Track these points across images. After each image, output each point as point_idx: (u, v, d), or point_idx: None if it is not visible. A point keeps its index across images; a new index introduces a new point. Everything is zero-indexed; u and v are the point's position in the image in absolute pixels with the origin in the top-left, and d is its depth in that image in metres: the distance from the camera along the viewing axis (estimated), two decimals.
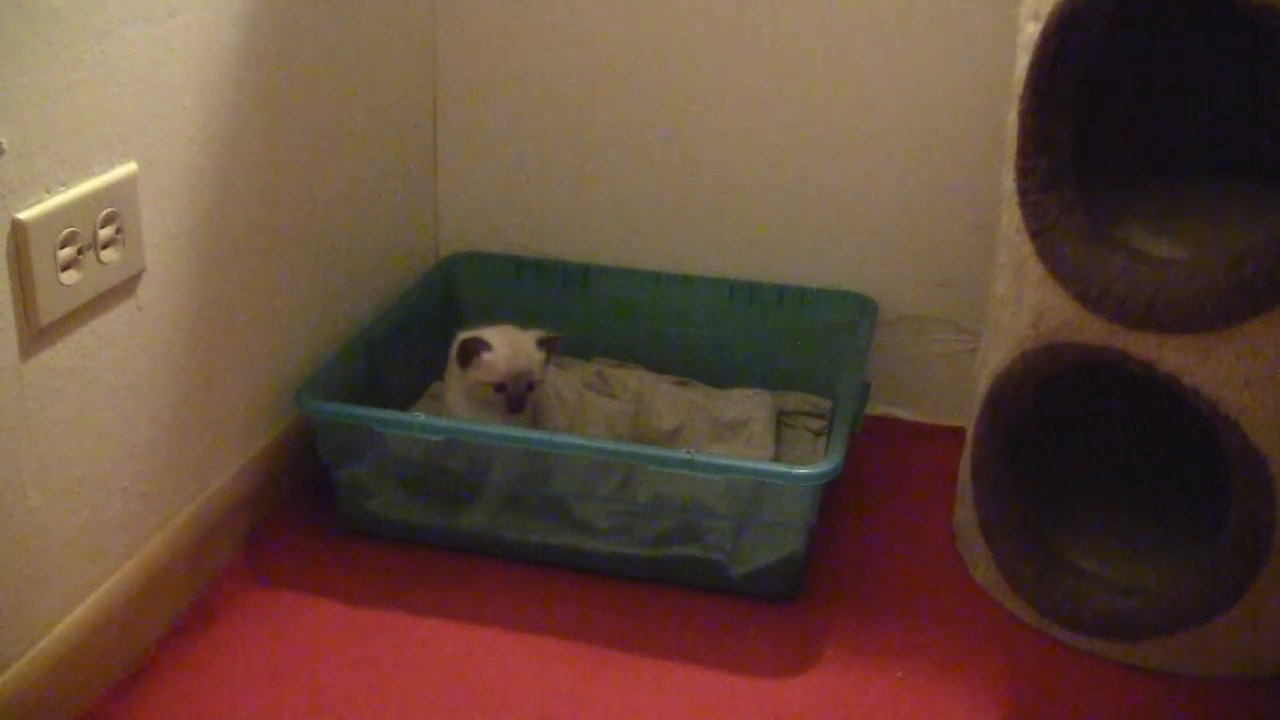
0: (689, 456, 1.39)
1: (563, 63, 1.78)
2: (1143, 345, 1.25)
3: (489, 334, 1.52)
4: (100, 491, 1.25)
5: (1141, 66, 1.43)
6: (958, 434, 1.57)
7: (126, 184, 1.21)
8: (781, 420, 1.73)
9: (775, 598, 1.43)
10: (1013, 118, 1.33)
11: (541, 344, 1.53)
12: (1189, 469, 1.52)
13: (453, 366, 1.54)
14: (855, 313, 1.72)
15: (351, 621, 1.39)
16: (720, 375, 1.80)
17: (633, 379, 1.77)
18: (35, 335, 1.13)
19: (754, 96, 1.74)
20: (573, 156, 1.83)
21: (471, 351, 1.50)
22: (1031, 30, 1.28)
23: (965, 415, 1.52)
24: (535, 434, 1.46)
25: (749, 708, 1.29)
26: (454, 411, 1.55)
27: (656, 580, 1.45)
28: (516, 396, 1.50)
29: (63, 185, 1.13)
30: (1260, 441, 1.23)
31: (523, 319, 1.61)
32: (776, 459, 1.64)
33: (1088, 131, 1.33)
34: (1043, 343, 1.33)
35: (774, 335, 1.78)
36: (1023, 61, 1.30)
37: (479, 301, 1.85)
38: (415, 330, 1.73)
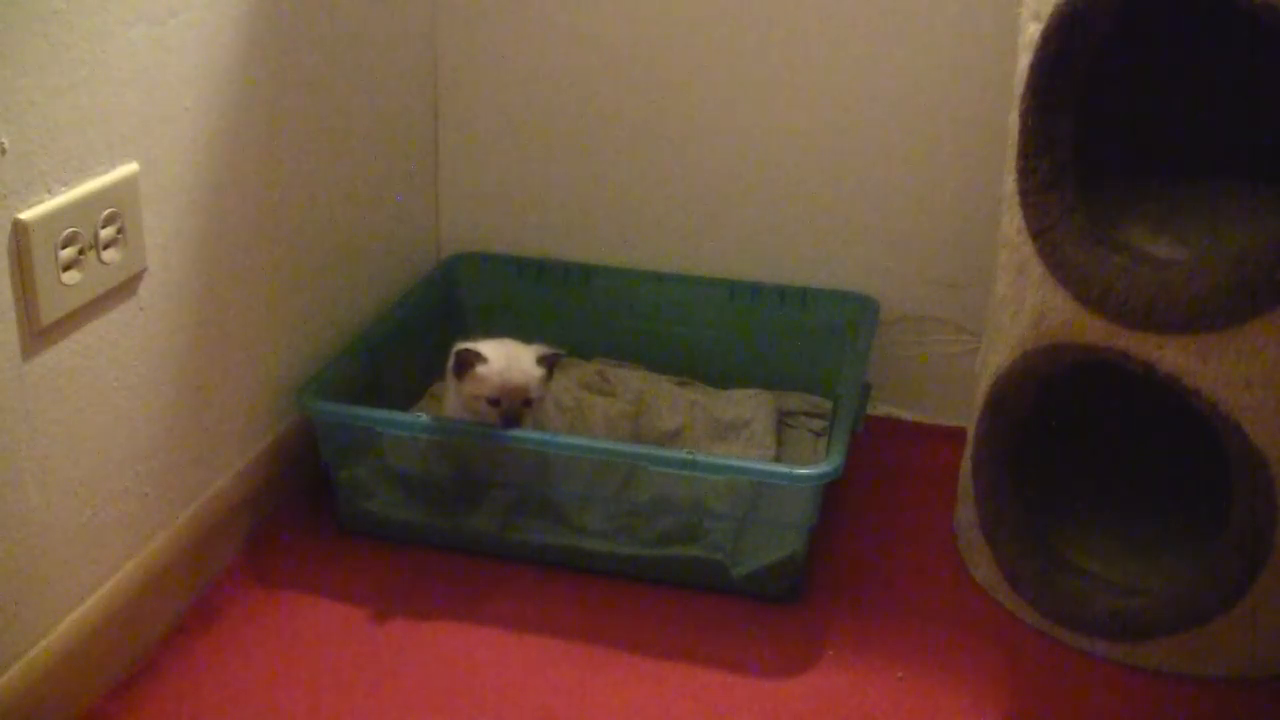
0: (690, 457, 1.39)
1: (563, 63, 1.79)
2: (1143, 345, 1.25)
3: (487, 346, 1.47)
4: (101, 491, 1.25)
5: (1141, 66, 1.43)
6: (958, 434, 1.57)
7: (128, 184, 1.21)
8: (782, 420, 1.73)
9: (775, 598, 1.43)
10: (1014, 118, 1.33)
11: (541, 360, 1.48)
12: (1189, 469, 1.52)
13: (450, 377, 1.51)
14: (856, 313, 1.72)
15: (351, 621, 1.39)
16: (721, 375, 1.80)
17: (634, 379, 1.77)
18: (36, 335, 1.13)
19: (755, 97, 1.74)
20: (573, 157, 1.83)
21: (466, 363, 1.46)
22: (1033, 30, 1.28)
23: (966, 415, 1.52)
24: (537, 435, 1.46)
25: (749, 708, 1.29)
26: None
27: (657, 580, 1.45)
28: (511, 412, 1.44)
29: (64, 185, 1.14)
30: (1261, 442, 1.23)
31: (523, 319, 1.61)
32: (777, 459, 1.64)
33: (1088, 131, 1.33)
34: (1044, 343, 1.33)
35: (775, 335, 1.78)
36: (1024, 62, 1.30)
37: (480, 302, 1.85)
38: (416, 331, 1.73)
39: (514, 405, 1.45)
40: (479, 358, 1.45)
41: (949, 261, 1.75)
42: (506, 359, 1.46)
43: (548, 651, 1.35)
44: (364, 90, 1.64)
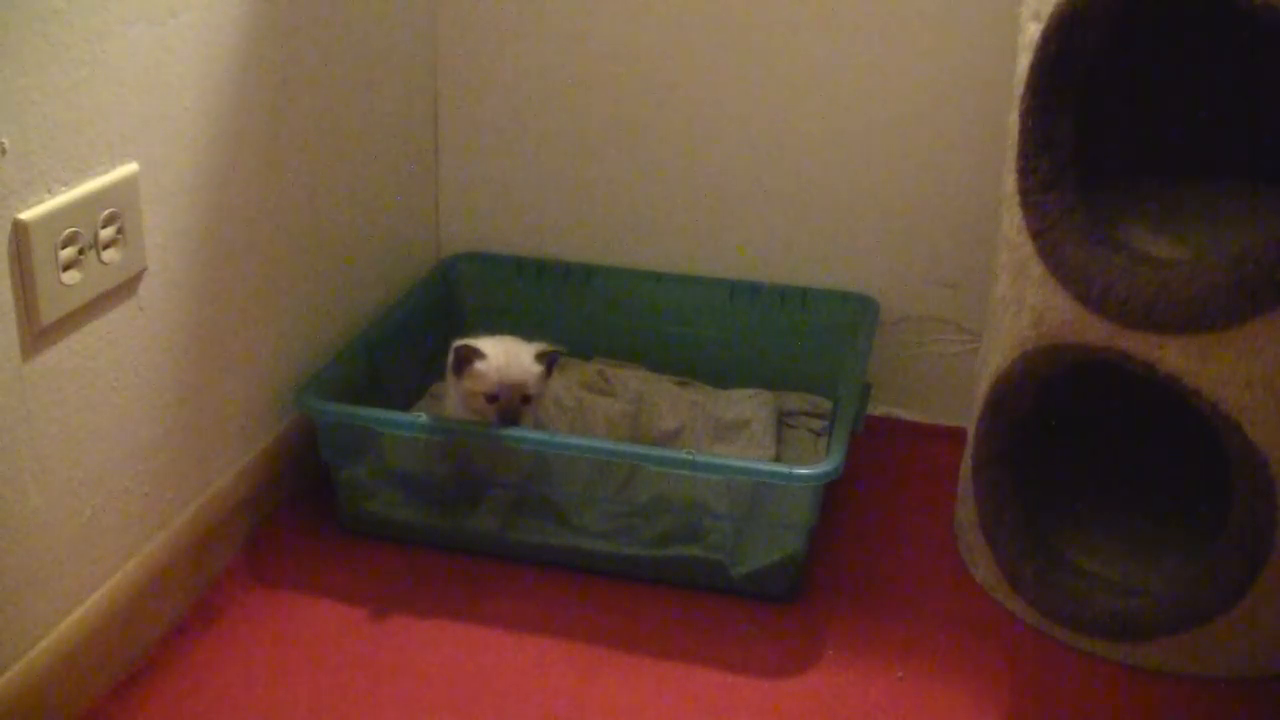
0: (689, 457, 1.39)
1: (563, 62, 1.79)
2: (1143, 346, 1.25)
3: (486, 343, 1.47)
4: (101, 491, 1.25)
5: (1141, 66, 1.43)
6: (958, 434, 1.57)
7: (128, 184, 1.21)
8: (782, 420, 1.73)
9: (775, 598, 1.43)
10: (1013, 118, 1.33)
11: (540, 357, 1.48)
12: (1189, 469, 1.52)
13: (449, 374, 1.51)
14: (856, 313, 1.72)
15: (351, 621, 1.39)
16: (721, 375, 1.80)
17: (634, 379, 1.77)
18: (36, 335, 1.13)
19: (755, 96, 1.74)
20: (573, 156, 1.83)
21: (465, 359, 1.46)
22: (1033, 30, 1.28)
23: (966, 415, 1.52)
24: (537, 435, 1.46)
25: (749, 708, 1.29)
26: (452, 416, 1.54)
27: (657, 580, 1.45)
28: (509, 409, 1.45)
29: (64, 185, 1.14)
30: (1261, 441, 1.23)
31: (523, 320, 1.61)
32: (777, 459, 1.64)
33: (1088, 131, 1.33)
34: (1044, 343, 1.33)
35: (775, 335, 1.77)
36: (1024, 62, 1.30)
37: (480, 302, 1.85)
38: (416, 331, 1.73)
39: (512, 401, 1.45)
40: (478, 354, 1.46)
41: (949, 261, 1.75)
42: (505, 355, 1.46)
43: (548, 651, 1.35)
44: (364, 90, 1.64)
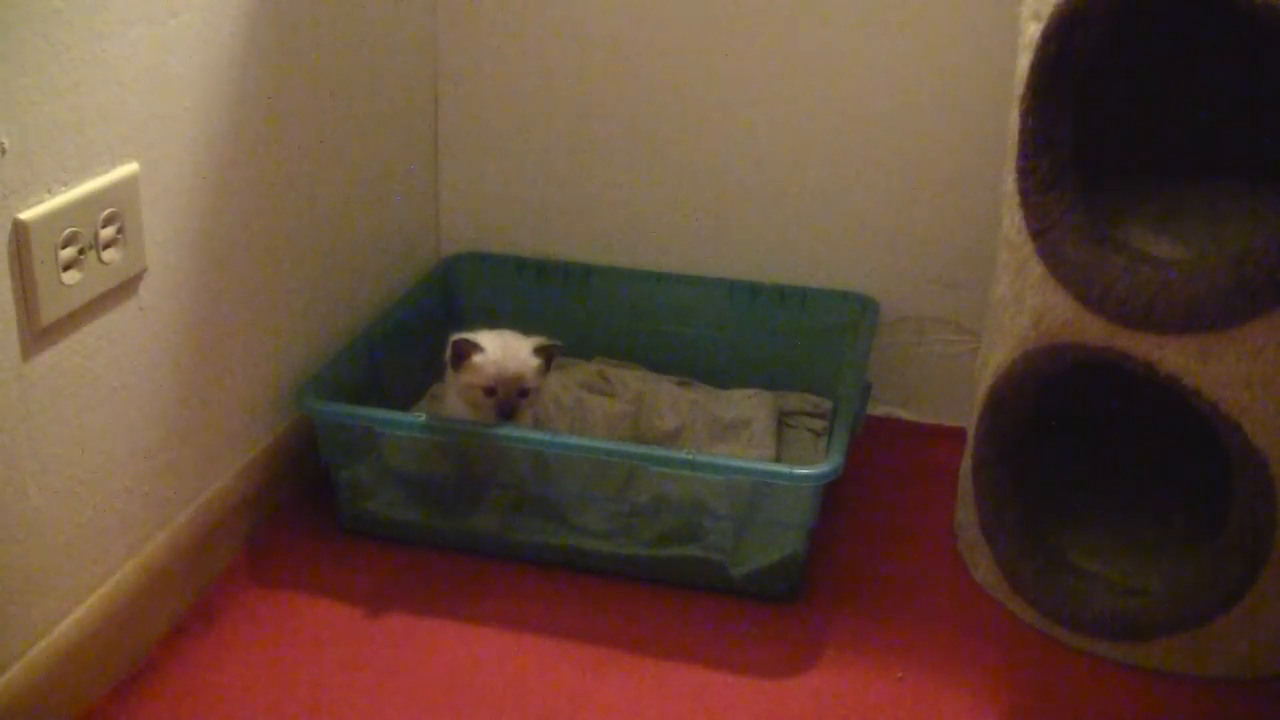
0: (689, 457, 1.39)
1: (563, 63, 1.79)
2: (1143, 346, 1.25)
3: (484, 336, 1.48)
4: (101, 491, 1.25)
5: (1141, 66, 1.43)
6: (958, 434, 1.57)
7: (128, 184, 1.21)
8: (782, 420, 1.73)
9: (775, 598, 1.43)
10: (1013, 118, 1.33)
11: (538, 351, 1.48)
12: (1189, 469, 1.52)
13: (448, 369, 1.51)
14: (856, 313, 1.72)
15: (352, 621, 1.39)
16: (721, 375, 1.80)
17: (634, 379, 1.77)
18: (36, 335, 1.13)
19: (755, 96, 1.74)
20: (574, 157, 1.83)
21: (462, 353, 1.47)
22: (1033, 30, 1.28)
23: (966, 415, 1.52)
24: (537, 435, 1.46)
25: (749, 708, 1.29)
26: (452, 415, 1.54)
27: (657, 580, 1.45)
28: (507, 402, 1.45)
29: (64, 185, 1.14)
30: (1261, 442, 1.23)
31: (523, 319, 1.60)
32: (777, 459, 1.64)
33: (1088, 131, 1.33)
34: (1043, 343, 1.33)
35: (775, 335, 1.78)
36: (1024, 61, 1.30)
37: (480, 302, 1.85)
38: (416, 331, 1.73)
39: (510, 395, 1.45)
40: (475, 347, 1.46)
41: (949, 261, 1.75)
42: (503, 349, 1.47)
43: (548, 651, 1.35)
44: (364, 90, 1.64)
